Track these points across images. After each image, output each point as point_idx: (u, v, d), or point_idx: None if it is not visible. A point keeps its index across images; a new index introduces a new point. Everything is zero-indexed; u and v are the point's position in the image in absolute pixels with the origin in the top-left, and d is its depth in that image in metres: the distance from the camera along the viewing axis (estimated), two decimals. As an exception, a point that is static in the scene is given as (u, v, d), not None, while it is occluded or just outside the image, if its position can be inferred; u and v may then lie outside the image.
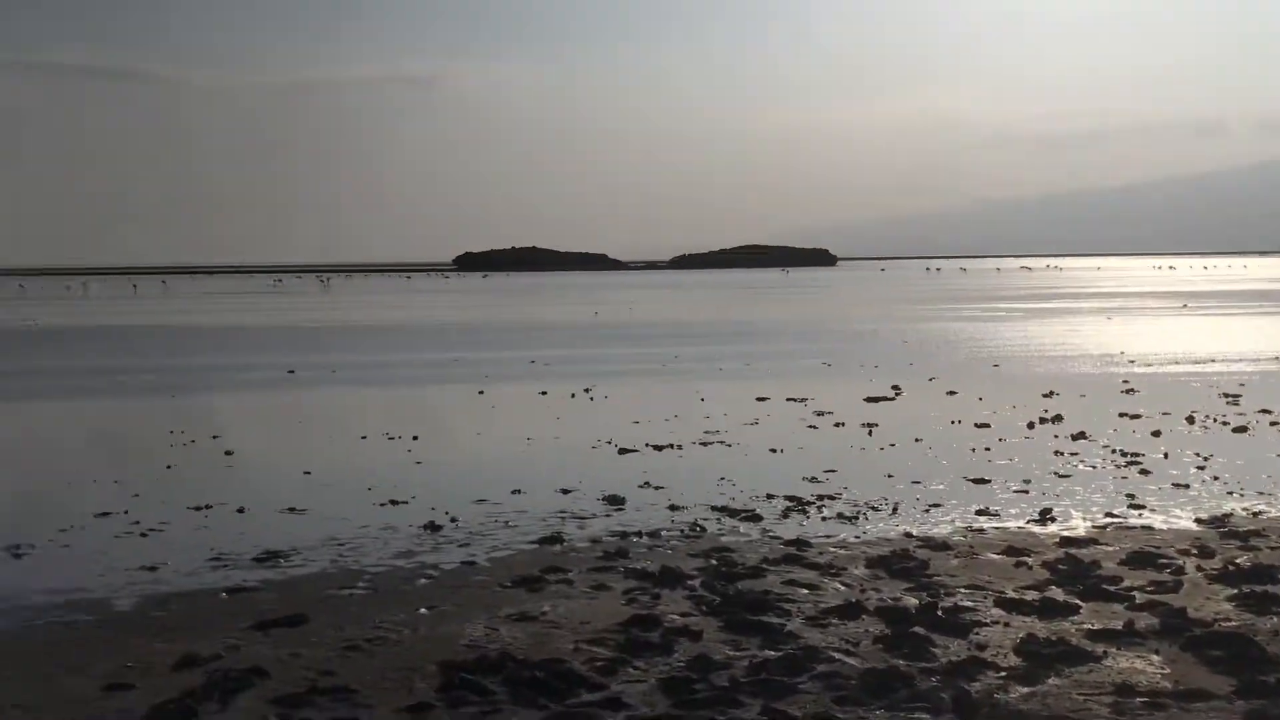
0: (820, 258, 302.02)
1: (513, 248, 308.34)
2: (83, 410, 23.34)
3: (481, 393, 24.49)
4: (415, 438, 18.12)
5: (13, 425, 21.69)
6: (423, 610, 9.23)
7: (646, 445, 17.06)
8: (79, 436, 20.07)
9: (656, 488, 13.92)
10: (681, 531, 11.77)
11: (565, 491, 13.75)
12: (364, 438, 18.30)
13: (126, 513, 12.84)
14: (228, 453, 16.96)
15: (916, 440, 17.24)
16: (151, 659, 8.18)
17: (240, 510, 12.98)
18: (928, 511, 12.61)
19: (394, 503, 13.28)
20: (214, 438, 18.25)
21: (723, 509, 12.72)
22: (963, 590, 9.52)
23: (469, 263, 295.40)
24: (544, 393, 24.19)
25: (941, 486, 13.88)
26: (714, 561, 10.46)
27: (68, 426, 21.35)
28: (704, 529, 11.85)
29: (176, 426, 19.44)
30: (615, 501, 13.15)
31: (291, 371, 29.68)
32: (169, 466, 15.90)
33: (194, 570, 10.56)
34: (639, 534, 11.66)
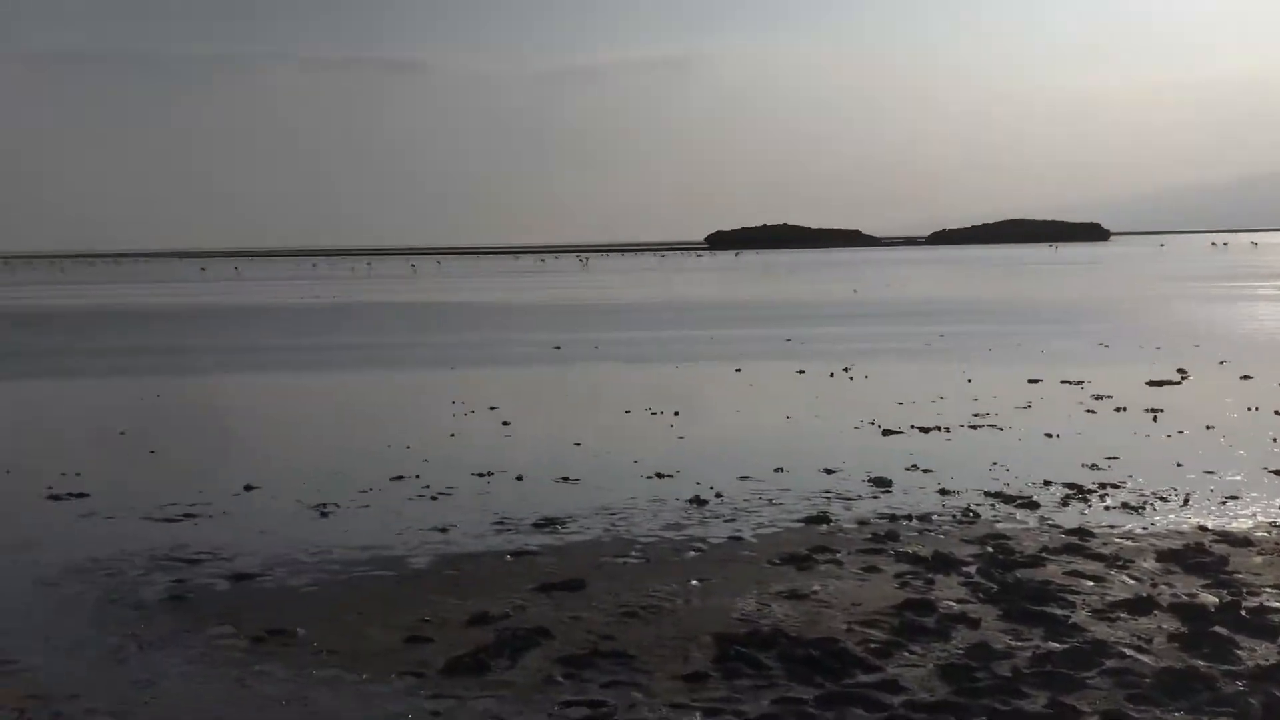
0: (1092, 232, 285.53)
1: (764, 225, 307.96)
2: (377, 380, 25.08)
3: (739, 370, 24.64)
4: (676, 413, 18.45)
5: (318, 394, 23.58)
6: (694, 582, 9.41)
7: (912, 427, 16.69)
8: (375, 404, 21.57)
9: (924, 471, 13.60)
10: (953, 516, 11.46)
11: (829, 471, 13.65)
12: (627, 412, 18.79)
13: (418, 477, 13.74)
14: (504, 423, 17.83)
15: (1208, 428, 16.04)
16: (446, 615, 8.75)
17: (519, 478, 13.63)
18: (1224, 504, 11.73)
19: (660, 476, 13.58)
20: (491, 409, 19.22)
21: (996, 495, 12.28)
22: (1269, 590, 8.82)
23: (720, 241, 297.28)
24: (802, 371, 24.07)
25: (1239, 478, 12.87)
26: (989, 549, 10.12)
27: (366, 395, 23.00)
28: (977, 515, 11.49)
29: (457, 397, 20.62)
30: (882, 483, 12.95)
31: (558, 347, 30.83)
32: (453, 435, 16.89)
33: (480, 533, 11.19)
34: (908, 517, 11.43)
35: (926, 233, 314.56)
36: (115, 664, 7.87)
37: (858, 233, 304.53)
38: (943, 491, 12.51)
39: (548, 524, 11.45)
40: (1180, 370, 22.39)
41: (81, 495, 12.96)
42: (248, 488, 13.24)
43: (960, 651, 7.67)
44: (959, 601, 8.69)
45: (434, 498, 12.70)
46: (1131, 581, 9.14)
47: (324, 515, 12.02)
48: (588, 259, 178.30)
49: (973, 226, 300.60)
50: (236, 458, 15.33)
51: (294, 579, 9.78)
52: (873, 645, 7.79)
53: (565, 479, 13.56)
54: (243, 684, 7.50)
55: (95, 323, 47.03)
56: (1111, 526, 10.91)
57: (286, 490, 13.14)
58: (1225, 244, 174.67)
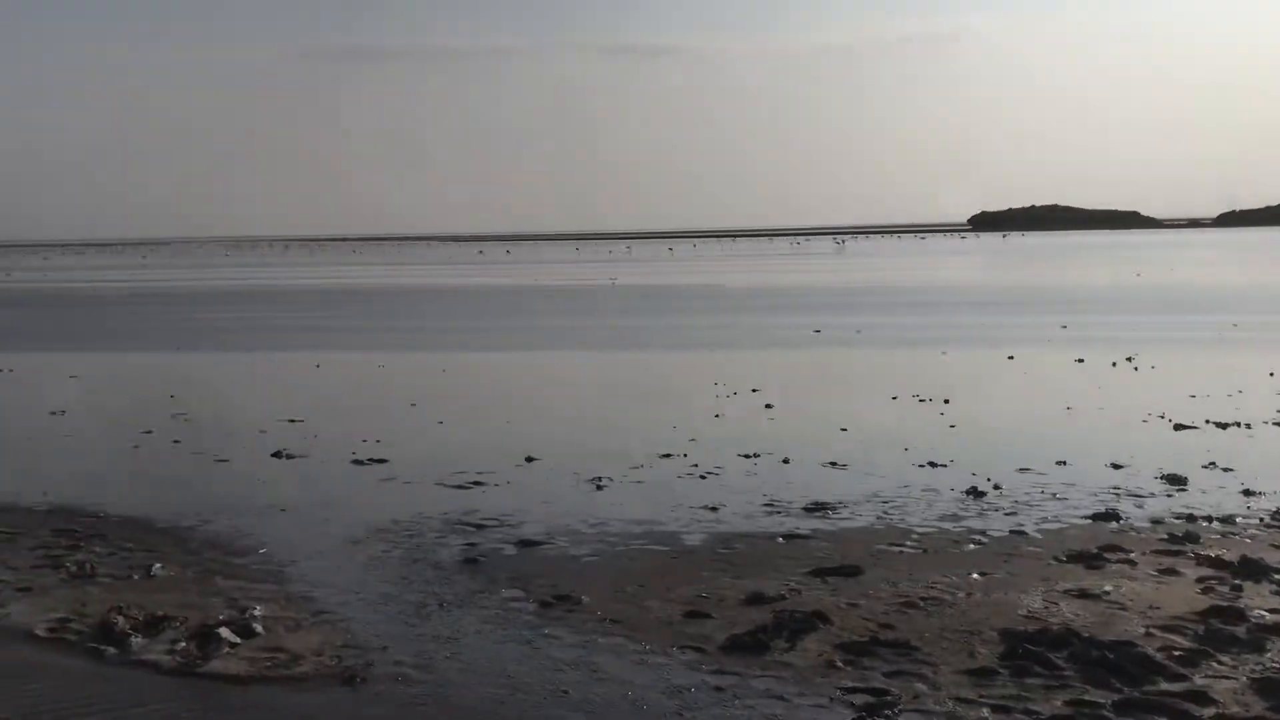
0: None
1: (1032, 206, 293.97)
2: (641, 360, 25.67)
3: (1011, 358, 23.65)
4: (946, 400, 17.91)
5: (588, 372, 24.40)
6: (975, 575, 9.12)
7: (1207, 422, 15.52)
8: (641, 383, 22.07)
9: (1224, 469, 12.62)
10: (1261, 520, 10.57)
11: (1116, 466, 12.90)
12: (894, 398, 18.40)
13: (685, 455, 13.97)
14: (767, 405, 17.86)
15: None
16: (722, 592, 8.86)
17: (785, 461, 13.62)
18: None
19: (932, 465, 13.23)
20: (753, 391, 19.29)
21: (1311, 498, 11.25)
22: None
23: (984, 222, 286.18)
24: (1081, 360, 22.84)
25: None
26: (1306, 556, 9.28)
27: (632, 374, 23.58)
28: (1289, 519, 10.56)
29: (720, 379, 20.81)
30: (1176, 481, 12.10)
31: (817, 331, 30.57)
32: (717, 415, 17.06)
33: (750, 514, 11.26)
34: (1208, 519, 10.64)
35: (1214, 214, 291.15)
36: (419, 619, 8.43)
37: (1135, 214, 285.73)
38: (1247, 492, 11.58)
39: (818, 508, 11.39)
40: None
41: (381, 461, 13.95)
42: (529, 459, 13.86)
43: (1278, 666, 7.08)
44: (1272, 611, 8.02)
45: (702, 477, 12.88)
46: None
47: (599, 488, 12.41)
48: (844, 241, 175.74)
49: (1268, 207, 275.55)
50: (517, 430, 16.06)
51: (576, 548, 10.16)
52: (1176, 652, 7.30)
53: (833, 464, 13.44)
54: (534, 645, 7.87)
55: (385, 300, 50.39)
56: None
57: (564, 463, 13.67)
58: None
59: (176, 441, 15.44)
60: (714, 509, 11.44)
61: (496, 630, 8.18)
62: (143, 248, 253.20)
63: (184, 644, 7.97)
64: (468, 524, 11.02)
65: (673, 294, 51.84)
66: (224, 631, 8.07)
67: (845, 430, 15.63)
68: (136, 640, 8.04)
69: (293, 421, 16.88)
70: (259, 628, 8.21)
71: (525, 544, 10.32)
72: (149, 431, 16.20)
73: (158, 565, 9.77)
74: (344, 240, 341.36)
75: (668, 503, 11.72)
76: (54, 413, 18.07)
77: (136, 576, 9.54)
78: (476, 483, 12.75)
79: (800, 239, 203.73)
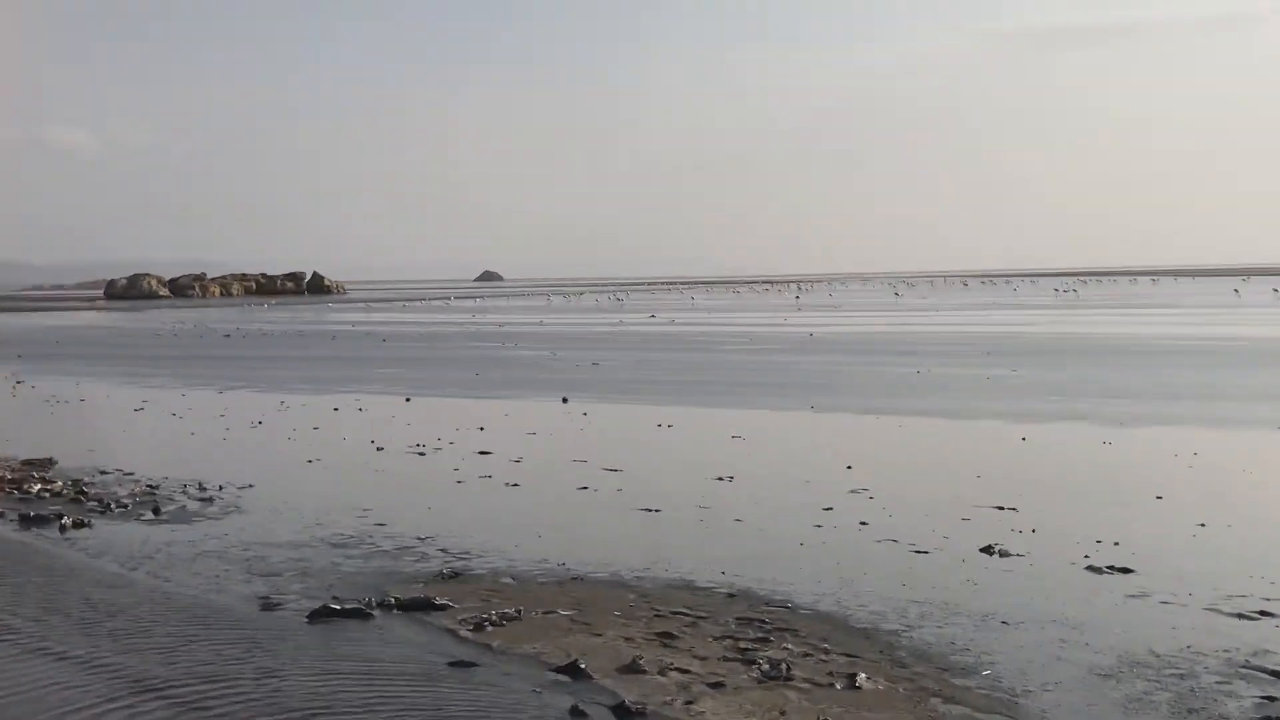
0: None
1: None
2: None
3: None
4: None
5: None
6: None
7: None
8: None
9: None
10: None
11: None
12: None
13: None
14: None
15: None
16: None
17: None
18: None
19: None
20: None
21: None
22: None
23: None
24: None
25: None
26: None
27: None
28: None
29: None
30: None
31: None
32: None
33: None
34: None
35: None
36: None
37: None
38: None
39: None
40: None
41: (1126, 571, 13.67)
42: (1337, 587, 12.78)
43: None
44: None
45: None
46: None
47: None
48: None
49: None
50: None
51: None
52: None
53: None
54: None
55: (1078, 354, 49.61)
56: None
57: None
58: None
59: (863, 524, 16.37)
60: None
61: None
62: (791, 283, 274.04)
63: (907, 778, 8.36)
64: (1260, 670, 10.40)
65: None
66: (956, 770, 8.34)
67: None
68: (850, 764, 8.58)
69: (1001, 509, 17.14)
70: (997, 771, 8.37)
71: (1352, 709, 9.48)
72: (829, 509, 17.35)
73: (863, 675, 10.38)
74: (1010, 275, 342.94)
75: None
76: (720, 479, 20.05)
77: (839, 686, 10.21)
78: (1265, 612, 12.01)
79: None
